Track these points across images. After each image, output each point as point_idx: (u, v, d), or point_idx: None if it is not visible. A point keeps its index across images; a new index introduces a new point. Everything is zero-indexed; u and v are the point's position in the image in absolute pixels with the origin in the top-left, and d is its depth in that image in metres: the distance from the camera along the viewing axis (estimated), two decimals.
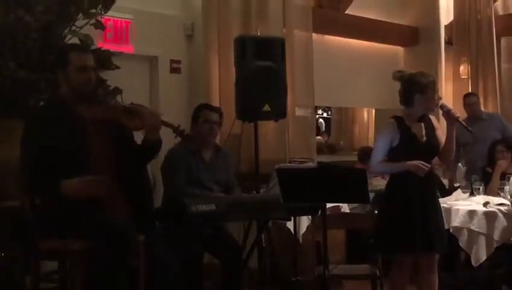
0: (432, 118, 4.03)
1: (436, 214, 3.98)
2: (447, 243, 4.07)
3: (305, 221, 4.93)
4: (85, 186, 3.20)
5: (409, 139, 3.92)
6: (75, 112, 3.38)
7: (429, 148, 3.93)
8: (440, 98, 3.99)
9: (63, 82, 3.45)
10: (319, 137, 7.73)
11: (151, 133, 3.48)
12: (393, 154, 3.95)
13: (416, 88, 3.91)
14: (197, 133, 4.55)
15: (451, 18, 8.52)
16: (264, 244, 4.48)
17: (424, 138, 3.94)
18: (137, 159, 3.57)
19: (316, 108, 7.19)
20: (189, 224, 3.87)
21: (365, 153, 6.95)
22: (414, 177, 3.86)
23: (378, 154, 3.99)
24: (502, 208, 4.85)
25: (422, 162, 3.84)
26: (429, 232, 3.89)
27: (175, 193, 4.32)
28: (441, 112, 4.01)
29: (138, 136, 3.59)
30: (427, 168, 3.84)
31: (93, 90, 3.45)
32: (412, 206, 3.89)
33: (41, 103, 3.99)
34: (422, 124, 3.96)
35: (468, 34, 8.36)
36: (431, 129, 3.97)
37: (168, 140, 3.96)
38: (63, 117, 3.37)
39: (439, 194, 5.50)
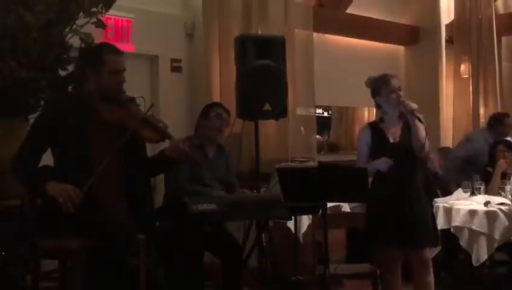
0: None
1: (418, 211, 3.95)
2: (434, 240, 4.06)
3: (305, 220, 4.93)
4: (58, 190, 3.19)
5: (380, 141, 4.01)
6: (93, 109, 3.40)
7: (402, 148, 3.95)
8: (400, 96, 3.98)
9: (91, 80, 3.46)
10: (318, 136, 7.71)
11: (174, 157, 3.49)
12: (371, 156, 4.03)
13: (374, 91, 4.07)
14: (206, 127, 4.56)
15: (452, 17, 8.52)
16: (264, 244, 4.47)
17: (398, 139, 3.99)
18: (147, 170, 3.60)
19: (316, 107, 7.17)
20: (189, 223, 3.87)
21: None
22: (390, 174, 3.90)
23: (361, 158, 4.08)
24: (503, 207, 4.84)
25: (386, 158, 3.89)
26: (408, 228, 3.89)
27: (176, 189, 4.32)
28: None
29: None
30: (388, 164, 3.88)
31: (119, 93, 3.45)
32: (386, 203, 3.93)
33: (42, 102, 3.99)
34: (401, 125, 4.01)
35: (469, 33, 8.36)
36: (408, 128, 3.98)
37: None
38: (81, 111, 3.39)
39: (439, 192, 5.52)
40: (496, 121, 6.58)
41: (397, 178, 3.92)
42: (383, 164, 3.91)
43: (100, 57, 3.44)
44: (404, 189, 3.95)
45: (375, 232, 3.97)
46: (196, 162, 4.41)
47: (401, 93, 3.99)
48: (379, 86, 4.03)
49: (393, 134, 4.02)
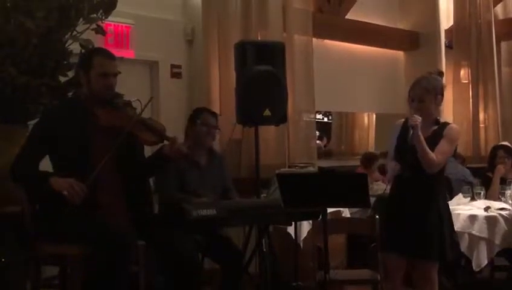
0: (450, 126, 3.86)
1: (427, 219, 3.77)
2: (440, 253, 3.78)
3: (305, 226, 4.92)
4: (63, 184, 3.20)
5: (404, 141, 3.83)
6: (90, 113, 3.41)
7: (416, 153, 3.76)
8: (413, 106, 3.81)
9: (84, 83, 3.49)
10: (318, 142, 7.72)
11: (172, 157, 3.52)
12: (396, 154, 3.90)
13: None
14: (194, 135, 4.53)
15: (452, 22, 8.54)
16: (264, 249, 4.47)
17: None
18: (144, 171, 3.62)
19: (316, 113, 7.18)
20: (189, 229, 3.86)
21: (368, 159, 6.98)
22: (406, 179, 3.78)
23: (390, 152, 3.95)
24: (503, 212, 4.84)
25: (395, 162, 3.79)
26: (412, 237, 3.76)
27: (166, 198, 4.31)
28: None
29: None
30: (395, 169, 3.77)
31: (112, 96, 3.46)
32: (397, 208, 3.83)
33: (42, 108, 3.99)
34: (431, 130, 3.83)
35: (469, 38, 8.38)
36: (436, 136, 3.80)
37: None
38: (79, 116, 3.41)
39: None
40: None
41: (412, 183, 3.78)
42: (391, 168, 3.80)
43: (89, 60, 3.47)
44: (417, 195, 3.79)
45: (382, 235, 3.91)
46: (185, 170, 4.38)
47: (425, 103, 3.77)
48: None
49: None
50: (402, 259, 3.89)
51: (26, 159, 3.37)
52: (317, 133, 9.30)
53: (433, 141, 3.75)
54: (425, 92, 3.81)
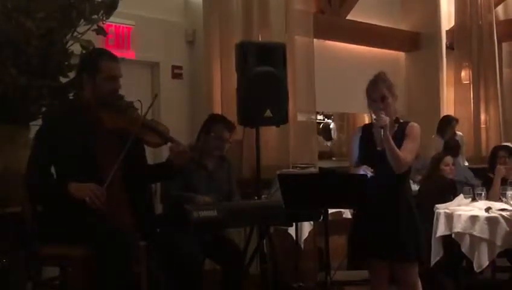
0: (411, 125, 3.81)
1: (396, 222, 3.69)
2: (412, 255, 3.72)
3: (306, 227, 4.92)
4: (84, 191, 3.19)
5: (367, 146, 3.80)
6: (94, 116, 3.39)
7: (384, 156, 3.68)
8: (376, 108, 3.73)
9: (88, 87, 3.44)
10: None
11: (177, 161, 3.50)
12: (359, 159, 3.85)
13: None
14: (205, 143, 4.48)
15: (453, 23, 8.55)
16: (265, 250, 4.48)
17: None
18: (148, 174, 3.61)
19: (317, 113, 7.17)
20: (190, 230, 3.87)
21: None
22: (373, 182, 3.64)
23: (352, 159, 3.91)
24: (504, 213, 4.82)
25: (365, 167, 3.67)
26: (383, 239, 3.70)
27: (171, 198, 4.31)
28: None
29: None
30: (366, 173, 3.62)
31: (117, 98, 3.45)
32: (365, 211, 3.75)
33: (43, 109, 4.00)
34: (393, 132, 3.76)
35: (470, 39, 8.39)
36: (399, 137, 3.74)
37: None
38: (82, 120, 3.39)
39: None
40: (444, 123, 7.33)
41: (379, 187, 3.66)
42: (361, 172, 3.66)
43: (95, 64, 3.42)
44: (384, 198, 3.71)
45: (357, 240, 3.85)
46: (192, 171, 4.37)
47: (388, 101, 3.74)
48: (366, 90, 3.84)
49: (380, 140, 3.72)
50: (383, 263, 3.83)
51: (37, 169, 3.33)
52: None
53: (396, 141, 3.69)
54: (386, 90, 3.80)
